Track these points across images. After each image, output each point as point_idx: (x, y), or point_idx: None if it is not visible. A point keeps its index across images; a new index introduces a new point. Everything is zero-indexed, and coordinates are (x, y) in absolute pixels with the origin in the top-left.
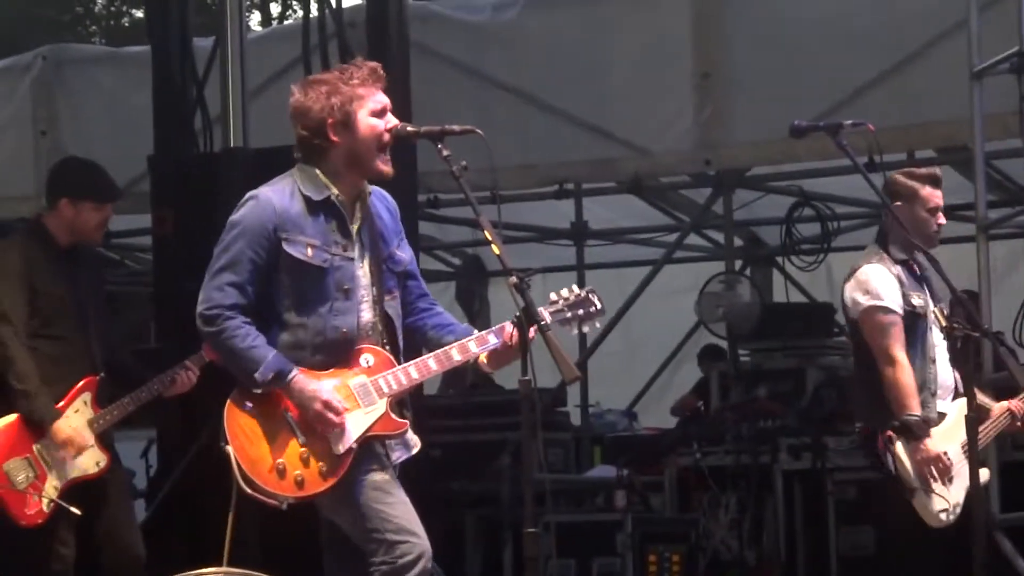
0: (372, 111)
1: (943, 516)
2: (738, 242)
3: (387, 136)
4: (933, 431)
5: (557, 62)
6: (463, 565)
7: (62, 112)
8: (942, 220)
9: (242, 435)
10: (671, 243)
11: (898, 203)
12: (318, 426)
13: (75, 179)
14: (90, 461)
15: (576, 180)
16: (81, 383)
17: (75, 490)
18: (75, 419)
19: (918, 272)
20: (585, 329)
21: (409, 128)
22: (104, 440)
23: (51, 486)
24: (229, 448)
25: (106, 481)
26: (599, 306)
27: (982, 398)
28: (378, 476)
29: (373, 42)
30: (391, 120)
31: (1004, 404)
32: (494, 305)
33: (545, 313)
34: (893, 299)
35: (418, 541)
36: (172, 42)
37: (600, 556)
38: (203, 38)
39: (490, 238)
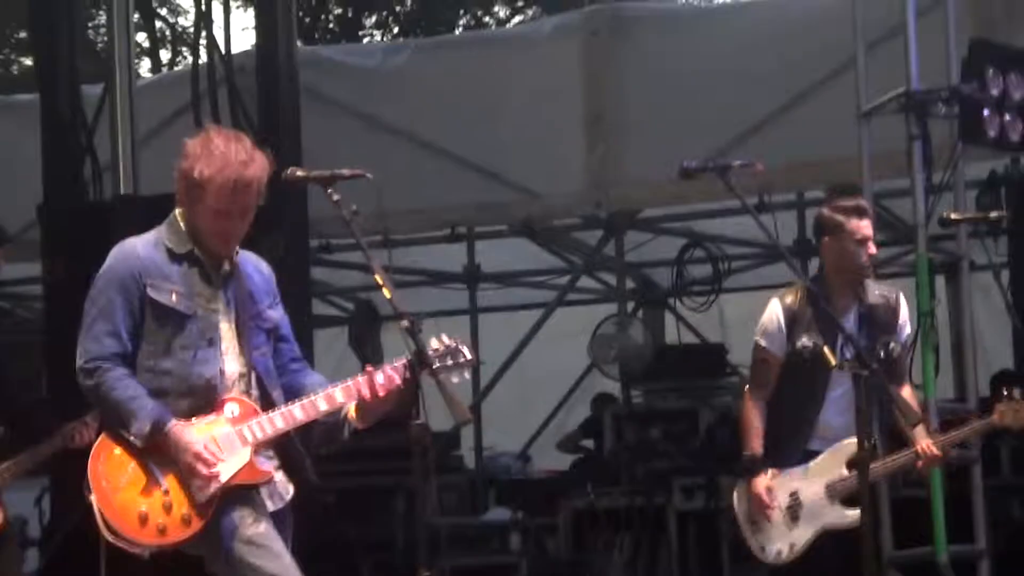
0: (215, 210)
1: (769, 556)
2: (630, 284)
3: (229, 227)
4: (789, 471)
5: (448, 106)
6: None
7: None
8: (872, 250)
9: (105, 483)
10: (563, 286)
11: (826, 237)
12: (191, 477)
13: None
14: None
15: (468, 224)
16: None
17: None
18: None
19: (857, 307)
20: (455, 379)
21: (299, 173)
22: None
23: None
24: (92, 497)
25: None
26: (468, 356)
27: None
28: (251, 531)
29: (263, 87)
30: (233, 229)
31: (920, 444)
32: (387, 349)
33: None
34: (770, 339)
35: None
36: (61, 90)
37: None
38: (92, 85)
39: (381, 282)
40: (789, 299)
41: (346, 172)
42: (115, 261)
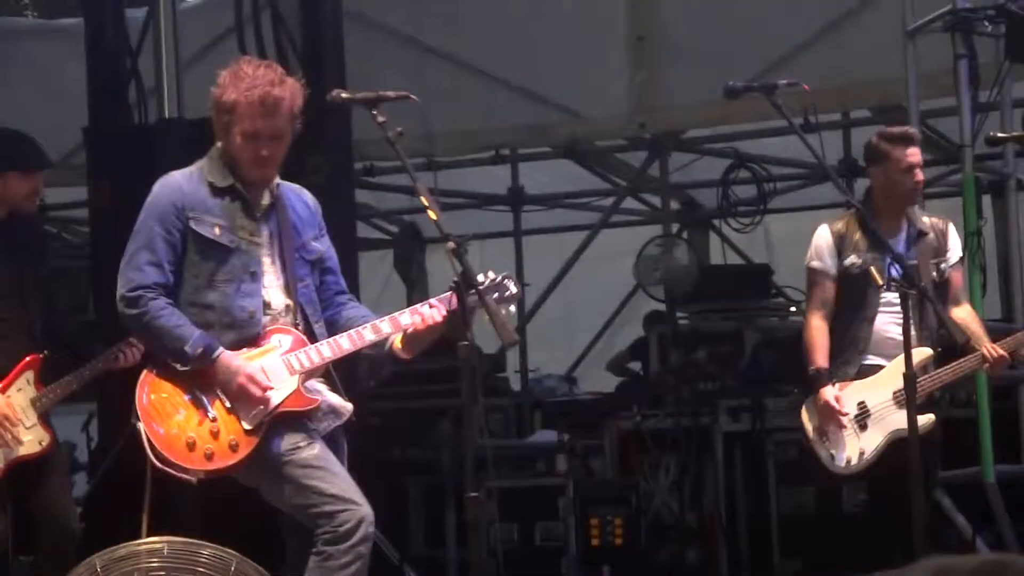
0: (244, 132)
1: (839, 464)
2: (674, 205)
3: (263, 152)
4: (855, 382)
5: (492, 27)
6: (406, 531)
7: None
8: (919, 177)
9: (152, 411)
10: (608, 207)
11: (873, 166)
12: (242, 400)
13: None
14: (33, 441)
15: (512, 146)
16: (23, 361)
17: (14, 467)
18: (18, 398)
19: (909, 230)
20: (517, 336)
21: (343, 95)
22: (46, 418)
23: None
24: (140, 425)
25: (46, 459)
26: (514, 290)
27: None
28: (305, 453)
29: (306, 10)
30: (262, 150)
31: (984, 347)
32: (432, 272)
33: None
34: (822, 259)
35: (356, 507)
36: (105, 13)
37: (542, 520)
38: (136, 8)
39: (427, 204)
40: (839, 224)
41: (391, 94)
42: (159, 193)
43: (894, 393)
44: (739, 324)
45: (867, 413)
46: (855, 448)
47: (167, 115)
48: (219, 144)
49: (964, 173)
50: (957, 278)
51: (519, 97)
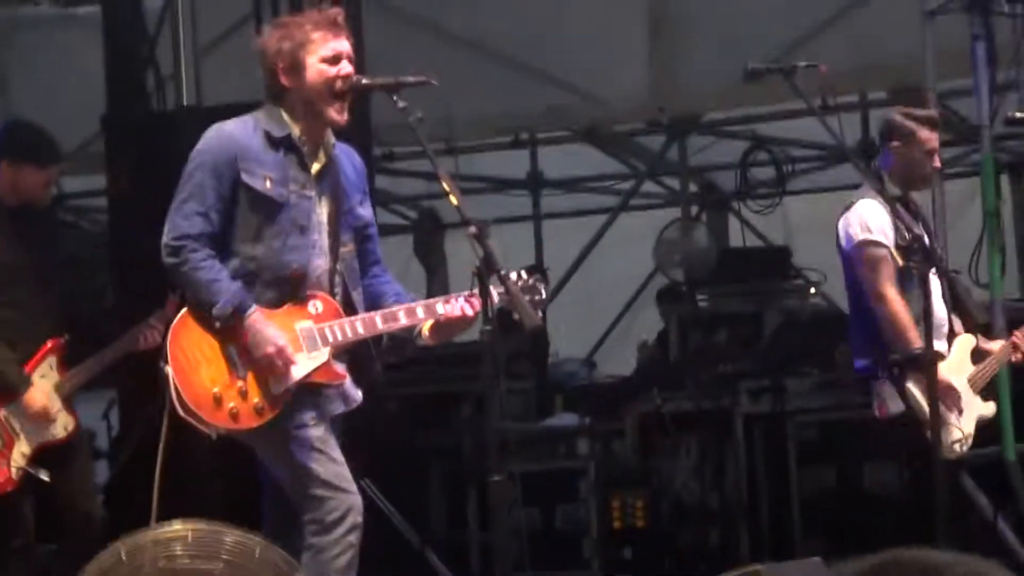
0: (323, 58)
1: (956, 447)
2: (693, 188)
3: (339, 83)
4: (941, 364)
5: (511, 12)
6: (428, 516)
7: (14, 74)
8: (937, 163)
9: (183, 359)
10: (627, 191)
11: (895, 143)
12: (265, 369)
13: (14, 142)
14: (59, 426)
15: (531, 129)
16: (46, 347)
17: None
18: (42, 384)
19: (914, 209)
20: (540, 319)
21: (364, 80)
22: (70, 403)
23: (19, 453)
24: (168, 368)
25: (69, 445)
26: (543, 295)
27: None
28: (312, 432)
29: None
30: (345, 67)
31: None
32: (451, 257)
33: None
34: (885, 234)
35: (345, 496)
36: (122, 1)
37: (564, 503)
38: None
39: (448, 189)
40: (881, 198)
41: (411, 78)
42: (210, 142)
43: (968, 379)
44: (759, 306)
45: (959, 396)
46: (961, 432)
47: (185, 102)
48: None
49: (983, 154)
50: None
51: (538, 81)
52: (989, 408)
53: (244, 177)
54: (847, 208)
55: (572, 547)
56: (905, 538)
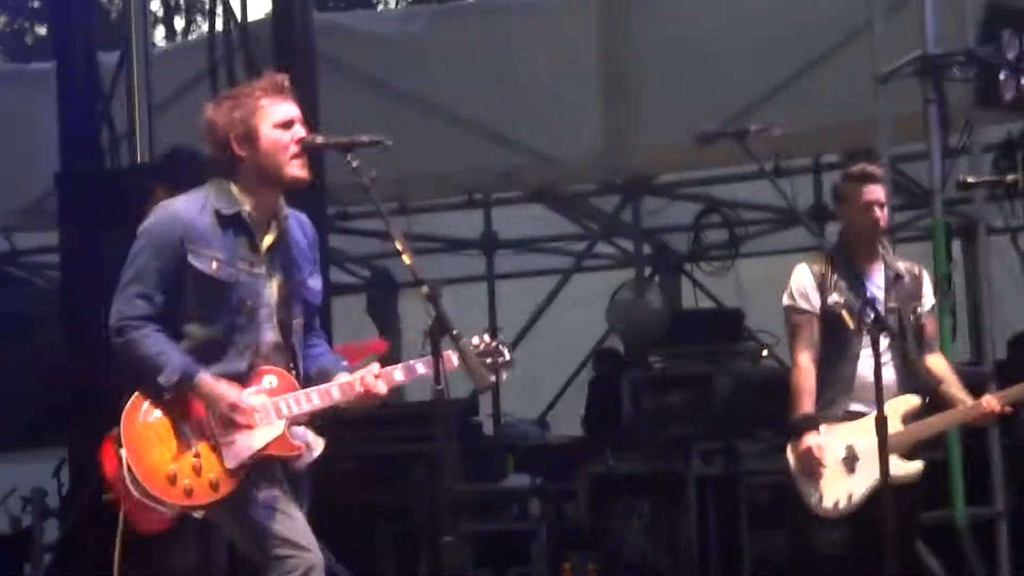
0: (275, 123)
1: (827, 506)
2: (647, 249)
3: (295, 146)
4: (843, 425)
5: (464, 73)
6: None
7: None
8: (877, 213)
9: (137, 440)
10: (580, 251)
11: (838, 206)
12: (226, 426)
13: (175, 168)
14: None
15: (485, 190)
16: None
17: None
18: None
19: (873, 273)
20: (491, 379)
21: (318, 139)
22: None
23: None
24: (123, 452)
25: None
26: (507, 357)
27: (957, 392)
28: (265, 494)
29: (279, 55)
30: (299, 131)
31: (983, 399)
32: (405, 317)
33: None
34: (807, 299)
35: (306, 555)
36: (77, 57)
37: (516, 565)
38: (108, 52)
39: (401, 248)
40: (816, 264)
41: (365, 138)
42: (157, 223)
43: (891, 437)
44: (711, 368)
45: (855, 456)
46: (844, 490)
47: (139, 159)
48: (221, 179)
49: (934, 218)
50: (931, 325)
51: (491, 142)
52: (910, 468)
53: (190, 259)
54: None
55: None
56: None
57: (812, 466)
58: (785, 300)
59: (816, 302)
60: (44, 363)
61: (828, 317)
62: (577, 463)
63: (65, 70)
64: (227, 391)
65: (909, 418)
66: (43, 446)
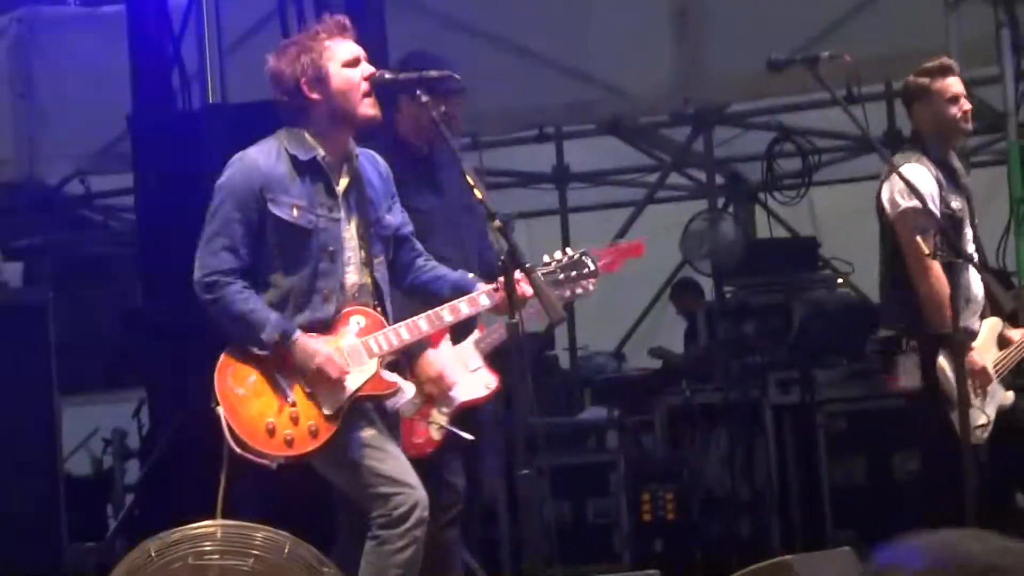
0: (344, 62)
1: (979, 432)
2: (719, 180)
3: (365, 83)
4: (974, 345)
5: (534, 5)
6: None
7: (39, 74)
8: (966, 106)
9: (232, 396)
10: (653, 183)
11: (915, 104)
12: (321, 383)
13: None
14: (479, 385)
15: (556, 123)
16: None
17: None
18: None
19: (955, 174)
20: (579, 292)
21: (387, 75)
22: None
23: (439, 411)
24: (220, 409)
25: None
26: (592, 267)
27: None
28: (367, 433)
29: None
30: (367, 68)
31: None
32: None
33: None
34: (934, 202)
35: (411, 491)
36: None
37: (594, 497)
38: None
39: (473, 184)
40: (927, 163)
41: (434, 73)
42: (235, 174)
43: (993, 364)
44: (787, 297)
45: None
46: (984, 417)
47: (211, 100)
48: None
49: (1008, 141)
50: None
51: (562, 75)
52: (1008, 397)
53: (271, 207)
54: (890, 173)
55: (602, 540)
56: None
57: (987, 382)
58: (907, 202)
59: (939, 206)
60: (121, 305)
61: (947, 222)
62: (654, 395)
63: (135, 12)
64: (319, 347)
65: (1001, 343)
66: (122, 388)
